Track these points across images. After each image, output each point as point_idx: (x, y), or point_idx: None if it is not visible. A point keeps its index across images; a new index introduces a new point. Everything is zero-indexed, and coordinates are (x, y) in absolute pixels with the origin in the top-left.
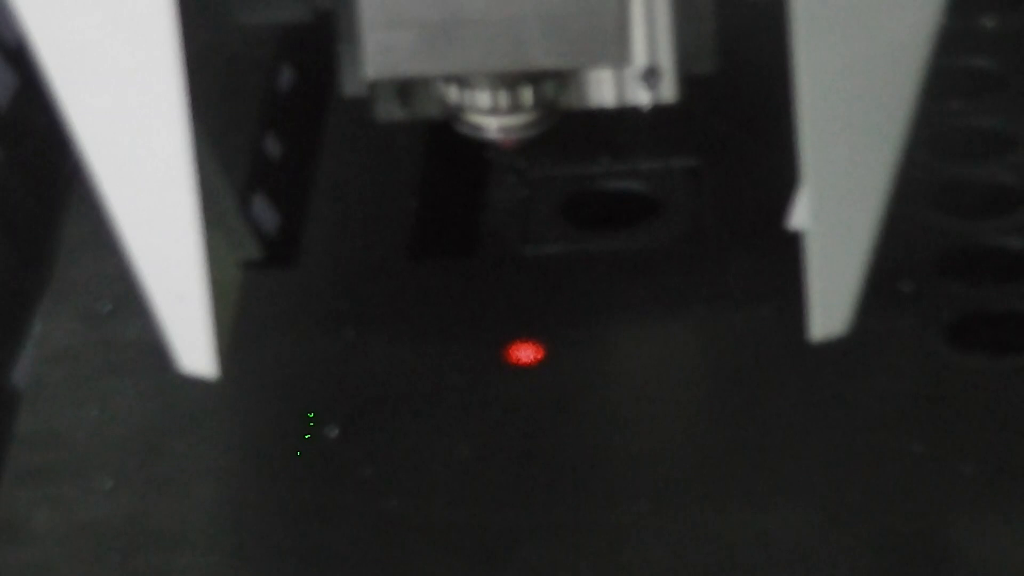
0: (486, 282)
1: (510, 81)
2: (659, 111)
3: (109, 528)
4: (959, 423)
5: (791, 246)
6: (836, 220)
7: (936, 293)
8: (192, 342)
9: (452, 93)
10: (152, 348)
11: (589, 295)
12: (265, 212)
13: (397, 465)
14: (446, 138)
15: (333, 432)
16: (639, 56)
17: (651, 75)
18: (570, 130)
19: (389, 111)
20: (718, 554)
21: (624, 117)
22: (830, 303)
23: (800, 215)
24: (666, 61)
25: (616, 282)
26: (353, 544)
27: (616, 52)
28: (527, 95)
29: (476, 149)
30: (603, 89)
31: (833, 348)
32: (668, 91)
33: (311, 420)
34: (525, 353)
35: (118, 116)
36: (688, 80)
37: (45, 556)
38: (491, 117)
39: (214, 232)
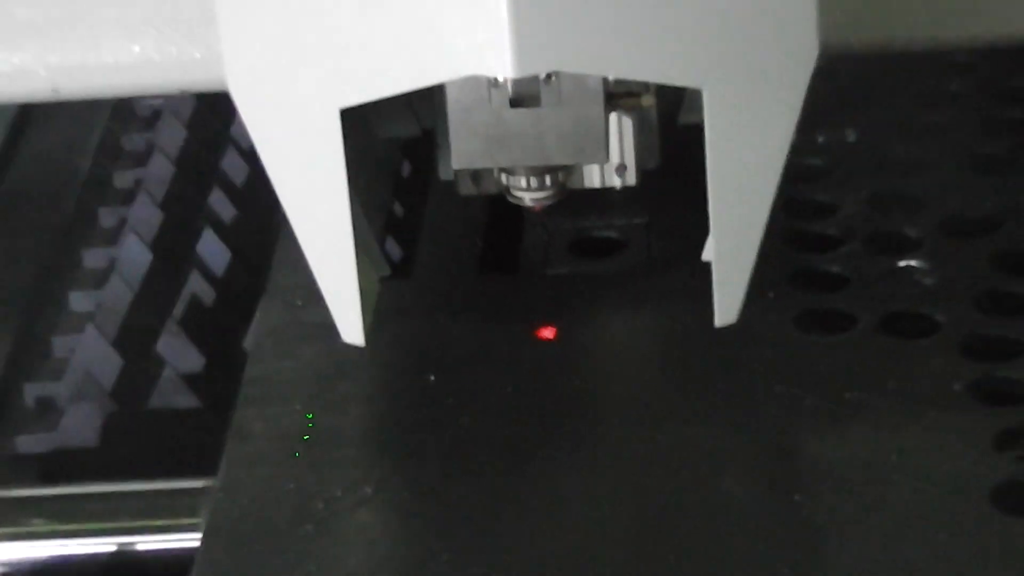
0: (524, 289)
1: (538, 171)
2: (626, 190)
3: (298, 432)
4: (805, 372)
5: (705, 269)
6: (730, 254)
7: (787, 298)
8: (349, 323)
9: (503, 177)
10: (326, 327)
11: (585, 299)
12: (392, 247)
13: (468, 397)
14: (501, 204)
15: (431, 377)
16: (614, 156)
17: (621, 168)
18: (575, 200)
19: (467, 188)
20: (667, 455)
21: (606, 192)
22: (727, 303)
23: (708, 251)
24: (629, 159)
25: (601, 290)
26: (444, 444)
27: (600, 154)
28: (548, 179)
29: (518, 211)
30: (592, 175)
31: (728, 329)
32: (631, 178)
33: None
34: (547, 332)
35: (307, 190)
36: (642, 171)
37: (259, 449)
38: (526, 192)
39: (361, 256)
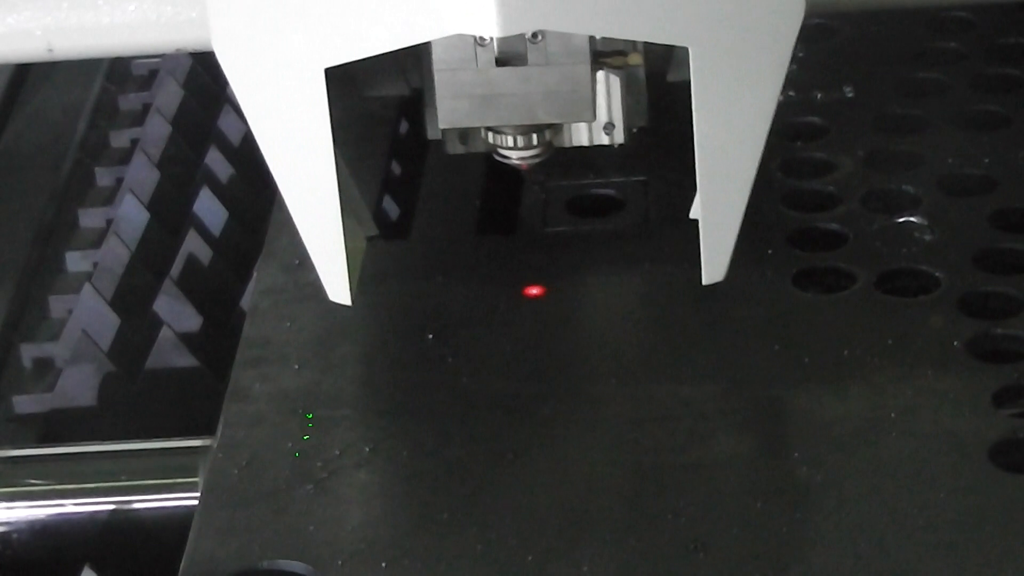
0: (521, 248)
1: (524, 130)
2: (623, 148)
3: (296, 393)
4: (799, 331)
5: (693, 227)
6: (717, 212)
7: (786, 256)
8: (336, 283)
9: (490, 137)
10: (319, 286)
11: (583, 257)
12: (386, 205)
13: (466, 355)
14: (499, 163)
15: (429, 336)
16: (602, 115)
17: (609, 126)
18: (570, 160)
19: (454, 147)
20: (656, 410)
21: (599, 151)
22: (714, 261)
23: (696, 208)
24: (617, 118)
25: (597, 249)
26: (442, 403)
27: (587, 113)
28: (535, 138)
29: (515, 170)
30: (580, 134)
31: (719, 287)
32: (619, 136)
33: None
34: (534, 290)
35: (293, 150)
36: (631, 129)
37: (259, 409)
38: (513, 151)
39: (348, 216)
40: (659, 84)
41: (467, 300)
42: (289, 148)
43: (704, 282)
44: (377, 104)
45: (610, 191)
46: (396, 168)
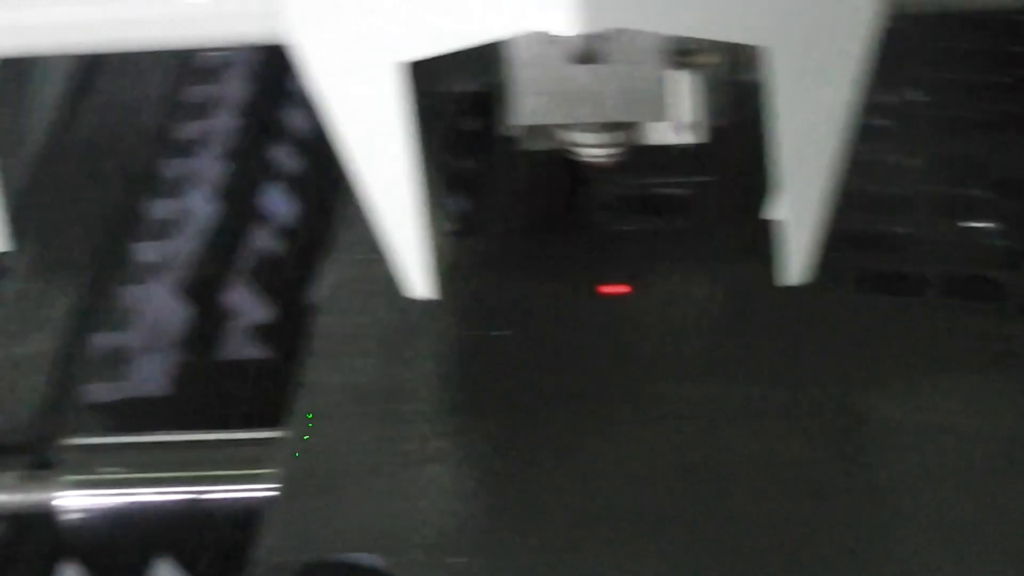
0: (591, 244)
1: (600, 127)
2: (691, 146)
3: (370, 384)
4: (863, 335)
5: (761, 227)
6: (794, 213)
7: (851, 259)
8: (416, 277)
9: (565, 134)
10: (392, 280)
11: (649, 255)
12: (453, 200)
13: (533, 351)
14: (566, 160)
15: (497, 332)
16: (678, 113)
17: (685, 125)
18: (636, 158)
19: (529, 144)
20: (729, 413)
21: (666, 150)
22: (791, 263)
23: (774, 209)
24: (693, 117)
25: (665, 247)
26: (509, 400)
27: (661, 112)
28: (610, 136)
29: (577, 168)
30: (656, 133)
31: (792, 290)
32: (695, 135)
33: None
34: (612, 289)
35: (370, 145)
36: (709, 128)
37: (330, 402)
38: (588, 149)
39: (427, 210)
40: (730, 83)
41: (533, 297)
42: (368, 142)
43: (784, 283)
44: (446, 99)
45: (677, 190)
46: (463, 164)
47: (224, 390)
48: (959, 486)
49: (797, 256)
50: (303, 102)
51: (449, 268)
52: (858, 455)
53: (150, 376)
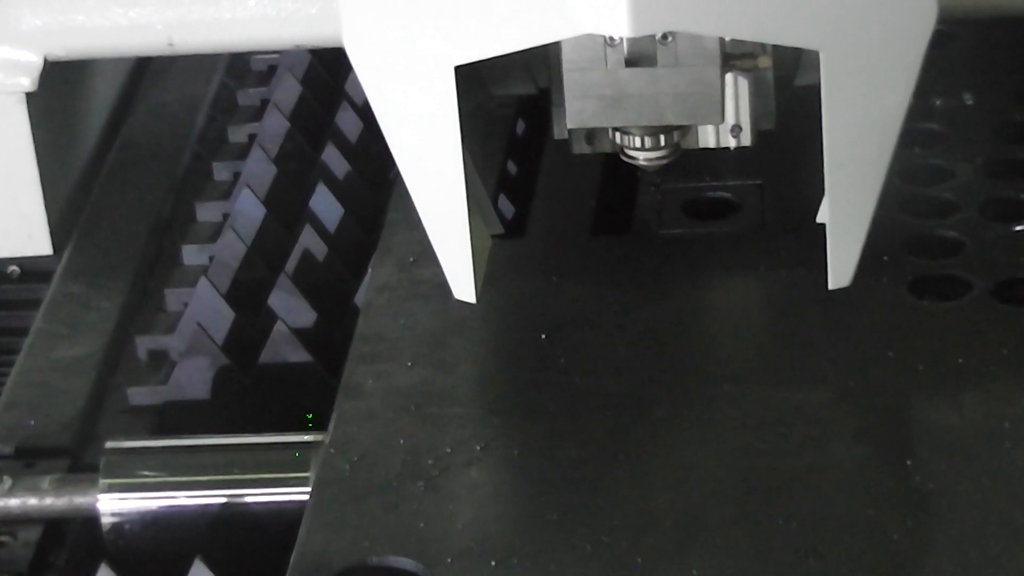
0: (637, 250)
1: (652, 131)
2: (741, 150)
3: (409, 389)
4: (918, 338)
5: (818, 233)
6: (844, 217)
7: (902, 263)
8: (461, 281)
9: (618, 137)
10: (438, 285)
11: (696, 259)
12: (501, 204)
13: (579, 356)
14: (614, 164)
15: (542, 336)
16: (729, 117)
17: (736, 129)
18: (688, 161)
19: (580, 147)
20: (769, 415)
21: (715, 153)
22: (841, 266)
23: (823, 213)
24: (745, 121)
25: (714, 252)
26: (554, 403)
27: (715, 116)
28: (662, 139)
29: (631, 170)
30: (708, 136)
31: (834, 293)
32: (747, 139)
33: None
34: None
35: (421, 146)
36: (758, 132)
37: (370, 406)
38: (640, 152)
39: (475, 214)
40: (780, 86)
41: (581, 300)
42: (418, 144)
43: (830, 287)
44: (496, 102)
45: (726, 194)
46: (512, 167)
47: (266, 394)
48: (1008, 492)
49: (847, 259)
50: (351, 105)
51: (495, 271)
52: (905, 460)
53: (193, 379)
